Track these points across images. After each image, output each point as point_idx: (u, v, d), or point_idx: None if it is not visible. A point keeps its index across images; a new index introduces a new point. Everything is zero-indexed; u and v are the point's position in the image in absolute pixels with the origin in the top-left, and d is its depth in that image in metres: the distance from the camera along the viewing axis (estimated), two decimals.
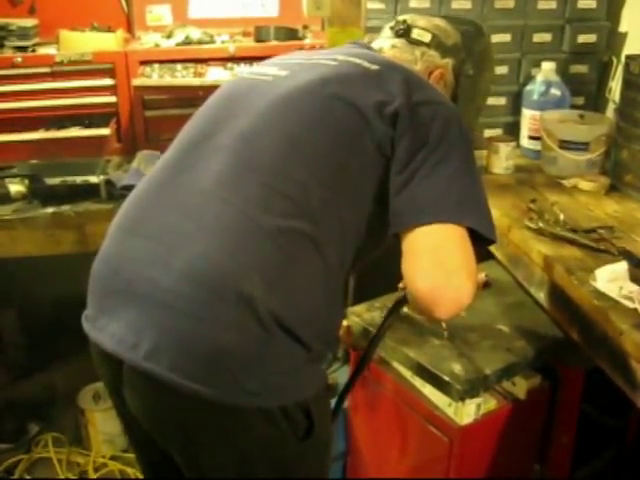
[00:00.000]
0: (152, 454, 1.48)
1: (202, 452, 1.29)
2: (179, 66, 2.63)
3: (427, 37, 1.61)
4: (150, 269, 1.25)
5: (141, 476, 2.49)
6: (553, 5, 2.63)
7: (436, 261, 1.26)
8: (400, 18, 1.67)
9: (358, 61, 1.46)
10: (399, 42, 1.62)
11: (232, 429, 1.25)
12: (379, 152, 1.33)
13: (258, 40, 2.75)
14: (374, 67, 1.44)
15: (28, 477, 2.57)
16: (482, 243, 1.33)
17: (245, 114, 1.39)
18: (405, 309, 1.70)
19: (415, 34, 1.62)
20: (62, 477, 2.57)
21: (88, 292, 1.37)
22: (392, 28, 1.66)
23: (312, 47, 2.63)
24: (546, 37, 2.66)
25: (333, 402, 1.66)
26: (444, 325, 1.93)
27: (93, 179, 2.27)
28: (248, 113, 1.39)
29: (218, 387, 1.19)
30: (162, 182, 1.38)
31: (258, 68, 1.61)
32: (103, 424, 2.64)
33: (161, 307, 1.22)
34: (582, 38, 2.66)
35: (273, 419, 1.25)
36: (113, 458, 2.66)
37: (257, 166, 1.31)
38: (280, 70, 1.50)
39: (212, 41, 2.74)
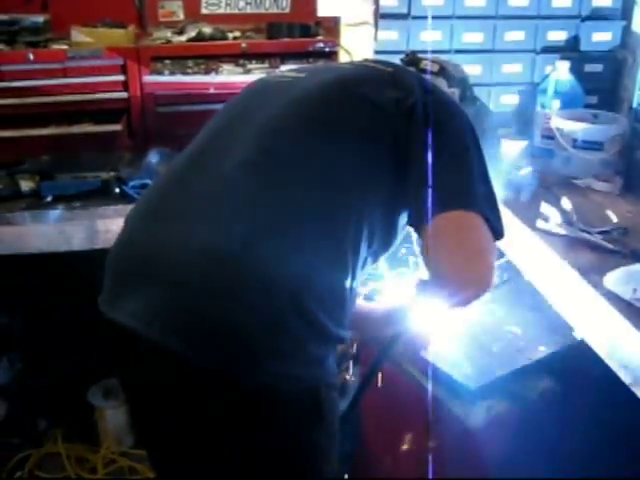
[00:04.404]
0: (160, 447, 1.48)
1: (210, 432, 1.29)
2: (190, 62, 2.63)
3: (435, 67, 1.72)
4: (169, 250, 1.27)
5: (150, 474, 2.51)
6: (568, 3, 2.61)
7: (460, 244, 1.32)
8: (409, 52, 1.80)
9: (372, 64, 1.55)
10: (409, 69, 1.68)
11: (243, 409, 1.26)
12: (396, 144, 1.37)
13: (270, 37, 2.74)
14: (388, 69, 1.51)
15: (37, 472, 2.57)
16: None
17: (267, 108, 1.43)
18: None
19: (423, 64, 1.72)
20: (71, 472, 2.57)
21: (105, 276, 1.38)
22: (402, 60, 1.76)
23: (325, 43, 2.64)
24: (560, 35, 2.64)
25: (344, 403, 1.65)
26: None
27: (104, 175, 2.27)
28: (270, 107, 1.43)
29: (231, 367, 1.21)
30: (183, 171, 1.42)
31: (277, 73, 1.66)
32: (113, 420, 2.65)
33: (179, 286, 1.24)
34: (597, 36, 2.64)
35: (284, 403, 1.26)
36: (122, 454, 2.66)
37: (278, 153, 1.35)
38: (299, 73, 1.59)
39: (224, 37, 2.74)
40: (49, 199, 2.23)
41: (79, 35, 2.62)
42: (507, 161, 2.34)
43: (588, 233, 1.83)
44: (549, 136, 2.44)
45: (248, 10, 3.05)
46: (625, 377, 1.51)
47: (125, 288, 1.32)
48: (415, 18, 2.54)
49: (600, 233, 1.83)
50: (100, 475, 2.58)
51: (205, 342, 1.21)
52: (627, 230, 1.86)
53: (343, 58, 2.57)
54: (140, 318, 1.25)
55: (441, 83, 1.69)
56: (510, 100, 2.69)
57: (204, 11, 3.02)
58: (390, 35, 2.52)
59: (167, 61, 2.62)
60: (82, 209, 2.21)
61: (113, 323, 1.32)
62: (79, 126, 2.51)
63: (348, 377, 2.35)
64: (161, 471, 1.62)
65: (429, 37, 2.54)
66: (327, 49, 2.66)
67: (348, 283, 1.34)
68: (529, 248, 1.92)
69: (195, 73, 2.61)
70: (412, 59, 1.75)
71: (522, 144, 2.35)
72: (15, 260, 2.21)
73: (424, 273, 1.37)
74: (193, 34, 2.70)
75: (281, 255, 1.24)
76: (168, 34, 2.75)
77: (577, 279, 1.67)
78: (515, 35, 2.61)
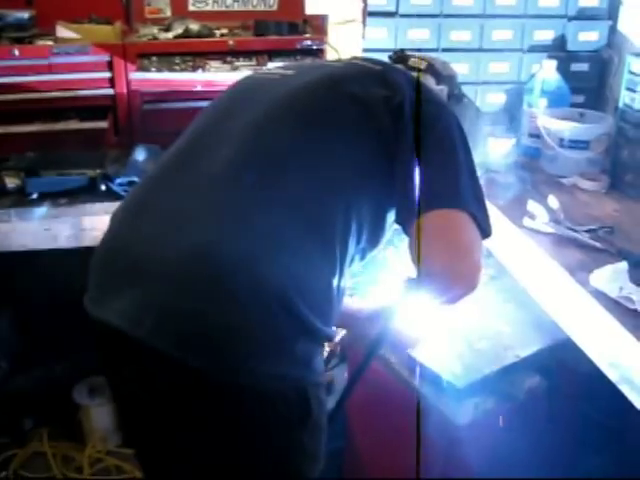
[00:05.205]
0: (148, 447, 1.48)
1: (197, 431, 1.29)
2: (177, 59, 2.62)
3: (423, 64, 1.70)
4: (156, 248, 1.26)
5: (137, 472, 2.50)
6: (555, 3, 2.62)
7: (449, 242, 1.32)
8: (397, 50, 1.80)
9: (361, 62, 1.56)
10: (398, 67, 1.67)
11: (230, 409, 1.25)
12: (384, 142, 1.37)
13: (258, 34, 2.73)
14: (377, 67, 1.51)
15: (22, 471, 2.55)
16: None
17: (254, 106, 1.43)
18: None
19: (411, 62, 1.71)
20: (57, 472, 2.55)
21: (91, 274, 1.37)
22: (390, 57, 1.76)
23: (312, 41, 2.63)
24: (547, 35, 2.65)
25: (331, 401, 1.65)
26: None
27: (90, 173, 2.26)
28: (257, 105, 1.43)
29: (219, 366, 1.21)
30: (170, 169, 1.41)
31: (266, 70, 1.72)
32: (99, 419, 2.63)
33: (166, 285, 1.23)
34: (583, 36, 2.65)
35: (271, 402, 1.26)
36: (109, 453, 2.64)
37: (265, 151, 1.35)
38: (287, 70, 1.59)
39: (211, 34, 2.73)
40: (34, 196, 2.21)
41: (64, 31, 2.60)
42: (494, 159, 2.34)
43: (575, 231, 1.84)
44: (536, 135, 2.45)
45: (235, 7, 3.04)
46: (612, 375, 1.52)
47: (111, 287, 1.31)
48: (403, 16, 2.54)
49: (587, 231, 1.84)
50: (86, 474, 2.56)
51: (192, 341, 1.20)
52: (613, 228, 1.87)
53: (330, 56, 2.57)
54: (127, 317, 1.25)
55: (429, 80, 1.69)
56: (497, 99, 2.70)
57: (191, 8, 3.01)
58: (378, 33, 2.53)
59: (154, 58, 2.60)
60: (68, 206, 2.19)
61: (99, 322, 1.31)
62: (65, 123, 2.50)
63: (335, 375, 2.35)
64: (149, 469, 1.61)
65: (417, 35, 2.54)
66: (315, 47, 2.65)
67: (336, 281, 1.34)
68: (516, 246, 1.92)
69: (182, 70, 2.59)
70: (400, 57, 1.74)
71: (509, 143, 2.35)
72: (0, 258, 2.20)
73: (411, 271, 1.36)
74: (180, 31, 2.69)
75: (268, 252, 1.23)
76: (155, 31, 2.74)
77: (564, 277, 1.68)
78: (502, 34, 2.62)
